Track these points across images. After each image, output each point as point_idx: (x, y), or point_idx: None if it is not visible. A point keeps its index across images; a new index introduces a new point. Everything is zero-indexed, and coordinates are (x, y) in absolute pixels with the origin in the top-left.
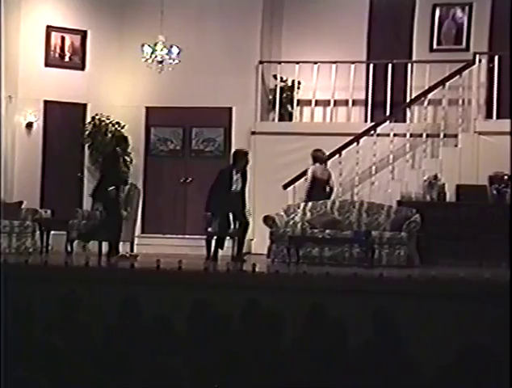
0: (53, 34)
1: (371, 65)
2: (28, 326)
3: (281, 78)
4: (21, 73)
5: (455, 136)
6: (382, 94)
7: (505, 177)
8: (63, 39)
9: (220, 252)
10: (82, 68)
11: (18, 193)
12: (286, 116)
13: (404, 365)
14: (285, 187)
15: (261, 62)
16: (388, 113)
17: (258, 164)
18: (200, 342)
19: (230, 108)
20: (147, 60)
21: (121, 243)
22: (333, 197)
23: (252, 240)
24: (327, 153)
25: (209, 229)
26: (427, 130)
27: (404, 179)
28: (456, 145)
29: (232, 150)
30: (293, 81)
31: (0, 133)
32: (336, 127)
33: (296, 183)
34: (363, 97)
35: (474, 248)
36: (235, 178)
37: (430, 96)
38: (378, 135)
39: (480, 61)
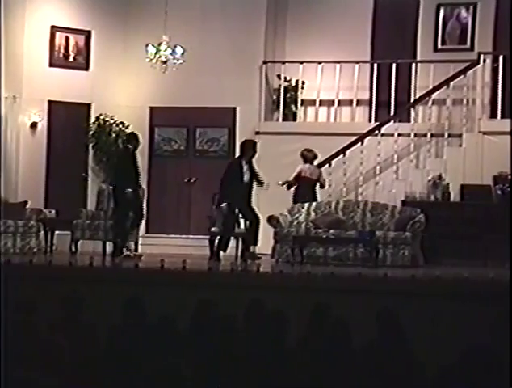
0: (58, 34)
1: (376, 65)
2: (32, 326)
3: (285, 78)
4: (25, 73)
5: (460, 136)
6: (386, 94)
7: (510, 177)
8: (67, 39)
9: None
10: (86, 68)
11: (23, 193)
12: (290, 116)
13: (408, 365)
14: (289, 187)
15: (265, 62)
16: (392, 113)
17: (262, 164)
18: (204, 342)
19: (234, 108)
20: (151, 60)
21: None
22: (326, 197)
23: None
24: (317, 153)
25: (213, 229)
26: (431, 130)
27: (409, 178)
28: (461, 145)
29: (237, 150)
30: (297, 81)
31: (0, 133)
32: (340, 127)
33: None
34: (367, 97)
35: (478, 248)
36: (244, 168)
37: (434, 96)
38: (382, 135)
39: (484, 60)
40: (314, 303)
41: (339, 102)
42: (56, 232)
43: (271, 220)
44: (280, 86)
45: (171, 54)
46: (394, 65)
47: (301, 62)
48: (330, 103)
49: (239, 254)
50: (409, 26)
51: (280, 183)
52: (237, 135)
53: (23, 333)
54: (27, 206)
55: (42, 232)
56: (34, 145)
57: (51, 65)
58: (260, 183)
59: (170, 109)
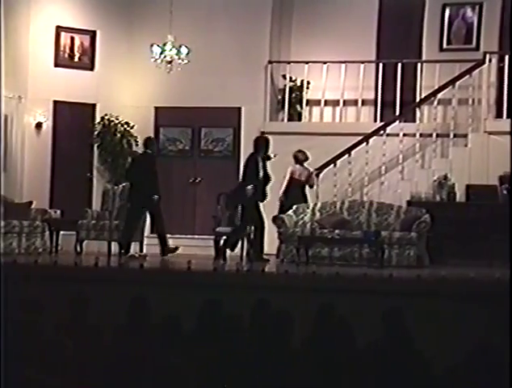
0: (63, 34)
1: (381, 65)
2: (37, 326)
3: (290, 78)
4: (30, 73)
5: (465, 136)
6: (391, 94)
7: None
8: (72, 39)
9: (229, 252)
10: (92, 68)
11: (28, 193)
12: (295, 116)
13: (414, 365)
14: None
15: (270, 62)
16: (397, 113)
17: (266, 164)
18: (210, 342)
19: (239, 108)
20: (156, 60)
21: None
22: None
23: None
24: (309, 155)
25: (218, 229)
26: (437, 130)
27: (414, 179)
28: (466, 145)
29: (242, 150)
30: (302, 81)
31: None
32: (345, 127)
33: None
34: (372, 97)
35: (484, 248)
36: (260, 165)
37: (439, 96)
38: (387, 135)
39: (490, 60)
40: (319, 303)
41: (344, 102)
42: (61, 232)
43: (276, 220)
44: (285, 86)
45: (176, 54)
46: (399, 65)
47: (306, 62)
48: (335, 103)
49: (244, 254)
50: (414, 25)
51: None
52: (242, 135)
53: (29, 333)
54: (32, 206)
55: (47, 232)
56: (39, 145)
57: (56, 65)
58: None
59: (175, 109)
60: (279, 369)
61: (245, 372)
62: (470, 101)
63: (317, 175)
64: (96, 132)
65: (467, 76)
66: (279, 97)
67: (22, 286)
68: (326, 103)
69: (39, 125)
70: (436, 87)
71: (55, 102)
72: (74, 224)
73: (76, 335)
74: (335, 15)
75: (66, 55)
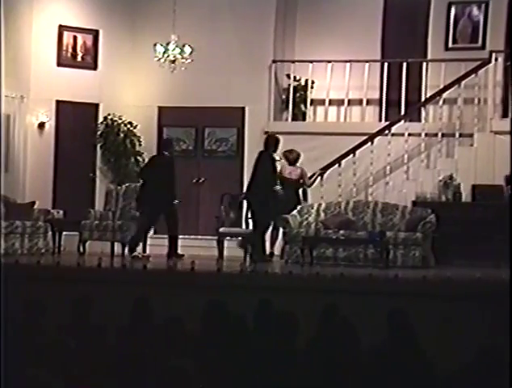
0: (65, 33)
1: (386, 64)
2: (40, 326)
3: (294, 78)
4: (33, 72)
5: (471, 135)
6: (396, 94)
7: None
8: (75, 38)
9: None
10: (94, 67)
11: (31, 194)
12: (299, 116)
13: (418, 366)
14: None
15: (274, 61)
16: (402, 112)
17: None
18: (213, 343)
19: (243, 108)
20: (159, 59)
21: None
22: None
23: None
24: (300, 153)
25: (221, 230)
26: (442, 129)
27: (419, 179)
28: (472, 145)
29: (246, 150)
30: (307, 80)
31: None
32: (350, 126)
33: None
34: (377, 96)
35: (490, 249)
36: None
37: (445, 95)
38: (392, 135)
39: (496, 59)
40: (324, 304)
41: (349, 101)
42: (64, 233)
43: (281, 220)
44: (289, 85)
45: (180, 53)
46: (404, 64)
47: (311, 61)
48: (340, 102)
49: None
50: (419, 24)
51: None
52: (246, 135)
53: (32, 334)
54: (35, 207)
55: (50, 233)
56: (42, 145)
57: (59, 64)
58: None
59: (179, 109)
60: (283, 369)
61: (249, 373)
62: (476, 100)
63: (322, 175)
64: (99, 132)
65: (473, 75)
66: (283, 96)
67: (24, 287)
68: (331, 102)
69: (41, 125)
70: (442, 86)
71: (57, 101)
72: (77, 224)
73: (79, 335)
74: (339, 14)
75: (69, 54)
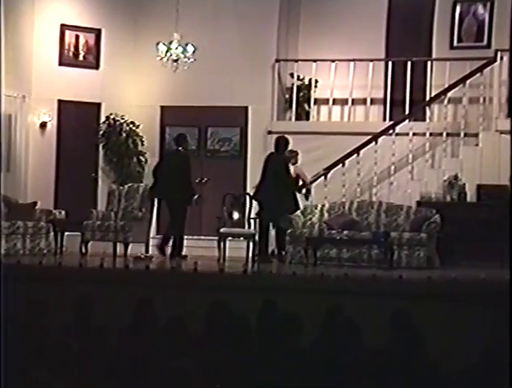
0: (67, 32)
1: (390, 63)
2: (42, 327)
3: (298, 77)
4: (35, 72)
5: (476, 135)
6: (401, 93)
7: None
8: (77, 37)
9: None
10: (97, 67)
11: (32, 194)
12: (303, 115)
13: (423, 367)
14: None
15: (277, 60)
16: (407, 112)
17: None
18: (216, 344)
19: (246, 107)
20: (162, 58)
21: (130, 245)
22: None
23: None
24: (298, 152)
25: (222, 230)
26: (447, 129)
27: (424, 179)
28: (477, 145)
29: (249, 150)
30: (310, 79)
31: (0, 132)
32: (354, 126)
33: (314, 184)
34: (381, 95)
35: (495, 249)
36: None
37: (450, 94)
38: (397, 134)
39: (501, 58)
40: (328, 305)
41: (353, 101)
42: (66, 233)
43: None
44: (293, 84)
45: (182, 52)
46: (409, 63)
47: (314, 60)
48: (344, 101)
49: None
50: (424, 23)
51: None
52: (249, 135)
53: (34, 334)
54: (37, 207)
55: (52, 233)
56: (43, 145)
57: (60, 63)
58: None
59: (181, 108)
60: (287, 370)
61: (253, 374)
62: (481, 100)
63: (325, 175)
64: (101, 132)
65: (479, 74)
66: (287, 96)
67: (26, 287)
68: (334, 101)
69: (43, 125)
70: (446, 86)
71: (59, 101)
72: (79, 225)
73: (81, 336)
74: (343, 13)
75: (71, 53)
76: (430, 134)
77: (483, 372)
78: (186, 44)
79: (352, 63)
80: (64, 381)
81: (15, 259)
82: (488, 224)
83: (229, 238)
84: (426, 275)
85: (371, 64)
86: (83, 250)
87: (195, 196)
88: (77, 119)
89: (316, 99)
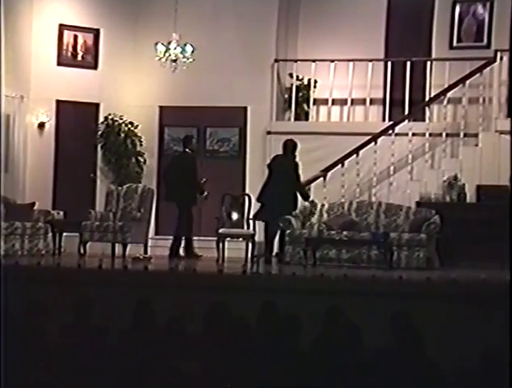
0: (66, 32)
1: (390, 63)
2: (41, 328)
3: (297, 77)
4: (33, 72)
5: (476, 135)
6: (400, 93)
7: None
8: (75, 37)
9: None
10: (95, 67)
11: (31, 194)
12: (302, 116)
13: (423, 368)
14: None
15: (276, 61)
16: (406, 112)
17: None
18: (216, 344)
19: (245, 108)
20: (161, 58)
21: (128, 245)
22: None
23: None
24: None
25: (220, 231)
26: (447, 129)
27: (424, 179)
28: (477, 145)
29: (248, 150)
30: (309, 79)
31: (0, 133)
32: (353, 126)
33: (313, 184)
34: (380, 96)
35: (495, 250)
36: None
37: (449, 94)
38: (396, 134)
39: (501, 58)
40: (327, 306)
41: (352, 101)
42: (65, 234)
43: (283, 221)
44: (292, 84)
45: (181, 53)
46: (408, 63)
47: (313, 60)
48: (343, 102)
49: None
50: (424, 23)
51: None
52: (248, 135)
53: (32, 335)
54: (35, 207)
55: (50, 234)
56: (42, 145)
57: (59, 64)
58: None
59: (180, 109)
60: (287, 371)
61: (252, 374)
62: (481, 100)
63: (324, 176)
64: (100, 132)
65: (478, 74)
66: (286, 96)
67: (24, 288)
68: (334, 102)
69: (41, 125)
70: (446, 86)
71: (58, 101)
72: (78, 225)
73: (80, 337)
74: (343, 12)
75: (69, 54)
76: (430, 134)
77: (482, 372)
78: (185, 44)
79: (351, 63)
80: (63, 381)
81: (13, 260)
82: (487, 224)
83: (228, 238)
84: (426, 275)
85: (370, 64)
86: (81, 250)
87: (205, 193)
88: (75, 119)
89: (315, 100)
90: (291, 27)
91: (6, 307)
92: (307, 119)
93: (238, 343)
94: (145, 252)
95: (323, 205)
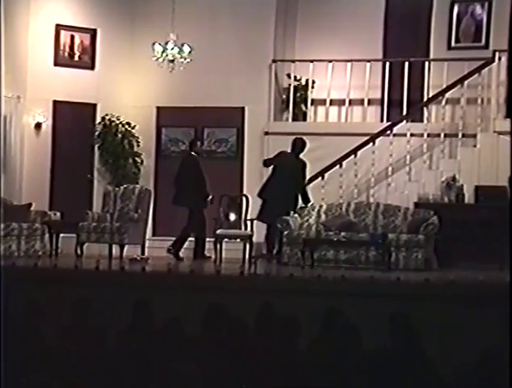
0: (63, 32)
1: (388, 64)
2: (38, 330)
3: (295, 77)
4: (30, 72)
5: (474, 136)
6: (398, 93)
7: None
8: (72, 37)
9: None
10: (92, 67)
11: (27, 195)
12: (300, 116)
13: (421, 369)
14: None
15: (274, 61)
16: (404, 113)
17: None
18: (214, 346)
19: (243, 108)
20: (158, 59)
21: (126, 246)
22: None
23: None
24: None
25: (218, 232)
26: (445, 130)
27: (422, 180)
28: (475, 146)
29: (246, 150)
30: (307, 80)
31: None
32: (351, 127)
33: (311, 185)
34: (378, 96)
35: (494, 251)
36: None
37: (448, 95)
38: (394, 135)
39: (499, 58)
40: (325, 307)
41: (350, 101)
42: (62, 235)
43: (281, 222)
44: (290, 85)
45: (178, 53)
46: (407, 64)
47: (311, 61)
48: (341, 102)
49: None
50: (422, 23)
51: None
52: (246, 135)
53: (29, 337)
54: (32, 208)
55: (47, 235)
56: (38, 145)
57: (56, 64)
58: None
59: (178, 109)
60: (285, 373)
61: (250, 376)
62: (479, 100)
63: (323, 176)
64: (97, 133)
65: (476, 75)
66: (284, 96)
67: (21, 290)
68: (332, 102)
69: (38, 126)
70: (444, 86)
71: (54, 102)
72: (75, 226)
73: (77, 338)
74: (341, 13)
75: (66, 54)
76: (428, 135)
77: (481, 373)
78: (183, 45)
79: (349, 63)
80: (61, 383)
81: (10, 261)
82: (486, 225)
83: (226, 239)
84: (424, 277)
85: (368, 64)
86: (79, 251)
87: (209, 198)
88: (72, 119)
89: (313, 100)
90: (289, 27)
91: (6, 308)
92: (305, 119)
93: (236, 345)
94: (143, 253)
95: (321, 206)
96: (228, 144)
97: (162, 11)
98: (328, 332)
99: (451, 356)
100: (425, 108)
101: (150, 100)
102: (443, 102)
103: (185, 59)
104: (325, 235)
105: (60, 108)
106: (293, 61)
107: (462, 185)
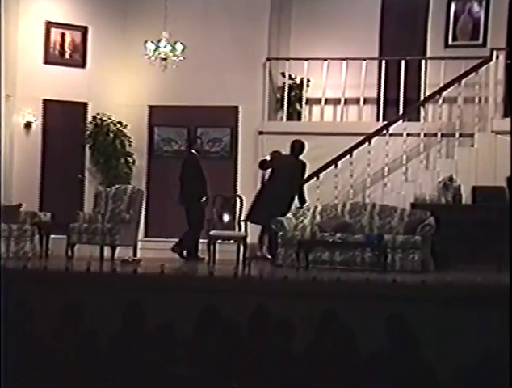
0: (53, 30)
1: (384, 62)
2: (28, 332)
3: (289, 76)
4: (19, 71)
5: (471, 135)
6: (395, 92)
7: None
8: (63, 35)
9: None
10: (83, 65)
11: (17, 195)
12: (294, 115)
13: (418, 372)
14: None
15: (268, 59)
16: (401, 112)
17: None
18: (206, 348)
19: (237, 107)
20: (150, 57)
21: (117, 248)
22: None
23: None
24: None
25: (211, 233)
26: (442, 129)
27: (418, 180)
28: (472, 145)
29: (239, 150)
30: (302, 79)
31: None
32: (347, 126)
33: (306, 185)
34: (374, 95)
35: (491, 252)
36: None
37: (444, 94)
38: (390, 135)
39: (497, 57)
40: (320, 309)
41: (346, 100)
42: (52, 236)
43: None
44: (284, 84)
45: (171, 51)
46: (403, 62)
47: (306, 59)
48: (336, 101)
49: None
50: (418, 21)
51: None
52: (240, 135)
53: (19, 339)
54: (22, 209)
55: (37, 236)
56: (28, 145)
57: (46, 62)
58: None
59: (170, 108)
60: (280, 375)
61: (244, 379)
62: (476, 99)
63: (317, 177)
64: (88, 132)
65: (474, 73)
66: (278, 95)
67: (10, 292)
68: (327, 101)
69: (28, 125)
70: (441, 85)
71: (45, 100)
72: (65, 227)
73: (68, 340)
74: (336, 10)
75: (56, 52)
76: (425, 135)
77: (478, 376)
78: (175, 43)
79: (345, 62)
80: (52, 385)
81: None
82: (483, 226)
83: (219, 240)
84: (421, 278)
85: (364, 63)
86: (69, 253)
87: (203, 199)
88: (63, 119)
89: (308, 99)
90: (283, 25)
91: (6, 308)
92: (299, 119)
93: (230, 347)
94: (134, 254)
95: (316, 207)
96: (221, 143)
97: (155, 9)
98: (323, 335)
99: (448, 358)
100: (421, 107)
101: (142, 99)
102: (440, 101)
103: (178, 57)
104: (320, 236)
105: (51, 107)
106: (288, 60)
107: (459, 185)
